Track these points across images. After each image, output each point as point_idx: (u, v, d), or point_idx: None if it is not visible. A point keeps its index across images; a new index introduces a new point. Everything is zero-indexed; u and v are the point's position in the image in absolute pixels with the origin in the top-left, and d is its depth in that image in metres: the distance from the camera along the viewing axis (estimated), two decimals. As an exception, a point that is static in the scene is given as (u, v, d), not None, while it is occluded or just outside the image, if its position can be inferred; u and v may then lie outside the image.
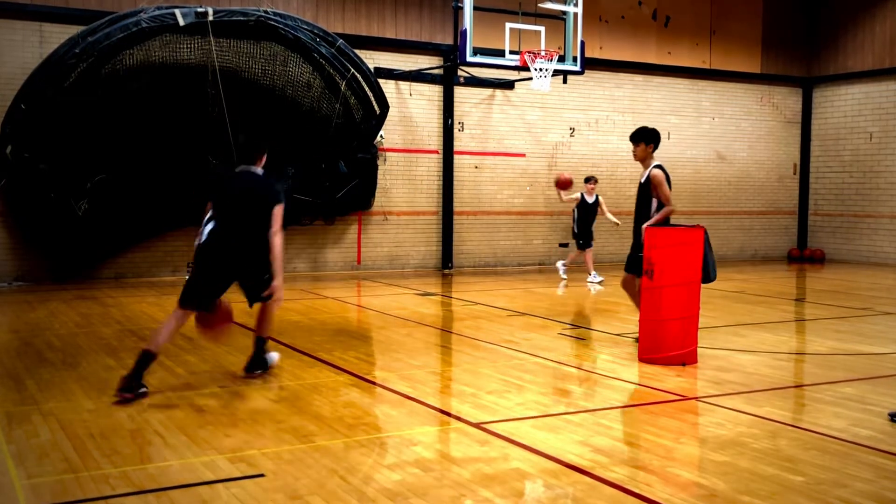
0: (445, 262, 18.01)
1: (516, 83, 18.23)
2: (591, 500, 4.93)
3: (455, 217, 18.13)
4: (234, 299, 7.71)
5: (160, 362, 8.35)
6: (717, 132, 21.10)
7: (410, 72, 17.39)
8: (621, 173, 19.57)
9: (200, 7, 14.29)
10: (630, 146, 9.61)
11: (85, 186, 14.19)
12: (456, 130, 17.99)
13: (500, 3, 16.13)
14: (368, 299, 13.85)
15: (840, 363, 8.84)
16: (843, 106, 21.36)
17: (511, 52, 15.49)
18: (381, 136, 16.77)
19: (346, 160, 16.10)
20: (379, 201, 17.18)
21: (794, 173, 22.22)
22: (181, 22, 14.06)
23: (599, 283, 15.45)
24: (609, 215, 16.16)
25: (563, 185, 15.69)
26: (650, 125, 19.69)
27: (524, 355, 9.02)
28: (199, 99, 14.69)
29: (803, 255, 21.73)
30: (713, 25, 20.63)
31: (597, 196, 16.17)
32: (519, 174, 18.79)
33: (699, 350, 8.80)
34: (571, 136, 19.24)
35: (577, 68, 16.11)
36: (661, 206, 9.19)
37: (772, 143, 21.88)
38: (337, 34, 15.76)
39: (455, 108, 17.95)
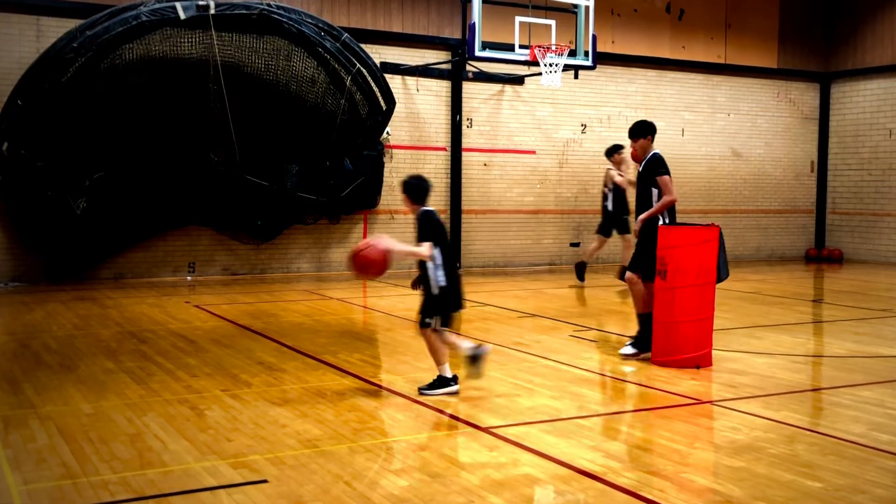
0: (453, 262, 17.71)
1: (526, 78, 18.01)
2: (601, 508, 4.89)
3: (463, 216, 17.91)
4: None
5: (160, 365, 8.39)
6: (732, 129, 20.82)
7: (417, 67, 17.17)
8: (634, 171, 19.21)
9: (202, 0, 14.08)
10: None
11: (83, 184, 14.03)
12: (465, 127, 17.74)
13: (510, -4, 15.92)
14: (374, 300, 13.80)
15: (859, 366, 8.75)
16: (861, 102, 21.04)
17: (521, 47, 15.33)
18: (388, 132, 16.55)
19: (351, 157, 15.89)
20: (385, 200, 16.94)
21: (812, 171, 21.93)
22: (182, 15, 13.92)
23: None
24: None
25: None
26: (664, 121, 19.80)
27: (534, 358, 8.94)
28: (200, 94, 14.54)
29: (821, 255, 21.48)
30: (728, 19, 20.35)
31: None
32: (529, 172, 18.55)
33: (714, 352, 8.73)
34: (583, 132, 19.01)
35: (589, 63, 15.90)
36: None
37: (788, 140, 21.59)
38: (342, 28, 15.56)
39: (463, 104, 17.73)
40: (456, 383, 7.31)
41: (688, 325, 8.37)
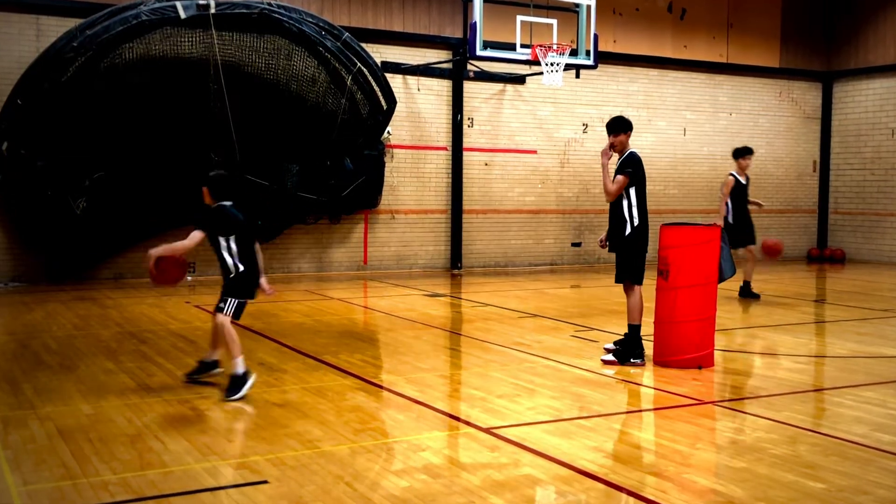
0: (454, 262, 17.74)
1: (527, 78, 17.96)
2: (601, 509, 4.86)
3: (464, 215, 17.86)
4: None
5: (161, 365, 8.40)
6: (734, 128, 20.76)
7: (418, 66, 17.12)
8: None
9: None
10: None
11: (83, 184, 14.00)
12: (466, 126, 17.70)
13: (511, -5, 15.86)
14: (375, 300, 13.76)
15: (861, 366, 8.71)
16: (864, 101, 20.98)
17: (522, 46, 15.25)
18: (389, 132, 16.50)
19: (352, 157, 15.85)
20: (386, 199, 16.91)
21: (814, 171, 21.87)
22: (182, 15, 13.88)
23: None
24: None
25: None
26: (665, 121, 19.76)
27: (535, 358, 8.90)
28: (200, 94, 14.50)
29: (823, 255, 21.42)
30: (730, 18, 20.29)
31: None
32: (530, 171, 18.51)
33: (716, 353, 8.68)
34: (584, 132, 18.95)
35: (591, 62, 15.84)
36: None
37: (791, 140, 21.53)
38: (343, 27, 15.52)
39: (464, 104, 17.69)
40: (251, 375, 7.24)
41: (690, 325, 8.33)
